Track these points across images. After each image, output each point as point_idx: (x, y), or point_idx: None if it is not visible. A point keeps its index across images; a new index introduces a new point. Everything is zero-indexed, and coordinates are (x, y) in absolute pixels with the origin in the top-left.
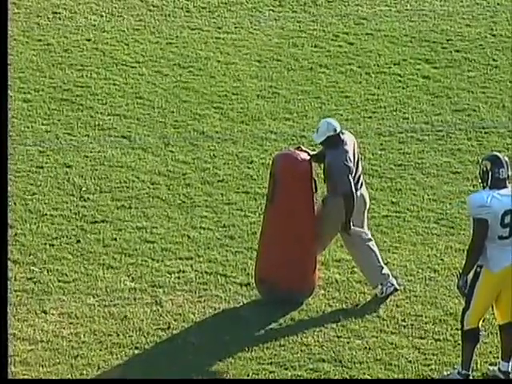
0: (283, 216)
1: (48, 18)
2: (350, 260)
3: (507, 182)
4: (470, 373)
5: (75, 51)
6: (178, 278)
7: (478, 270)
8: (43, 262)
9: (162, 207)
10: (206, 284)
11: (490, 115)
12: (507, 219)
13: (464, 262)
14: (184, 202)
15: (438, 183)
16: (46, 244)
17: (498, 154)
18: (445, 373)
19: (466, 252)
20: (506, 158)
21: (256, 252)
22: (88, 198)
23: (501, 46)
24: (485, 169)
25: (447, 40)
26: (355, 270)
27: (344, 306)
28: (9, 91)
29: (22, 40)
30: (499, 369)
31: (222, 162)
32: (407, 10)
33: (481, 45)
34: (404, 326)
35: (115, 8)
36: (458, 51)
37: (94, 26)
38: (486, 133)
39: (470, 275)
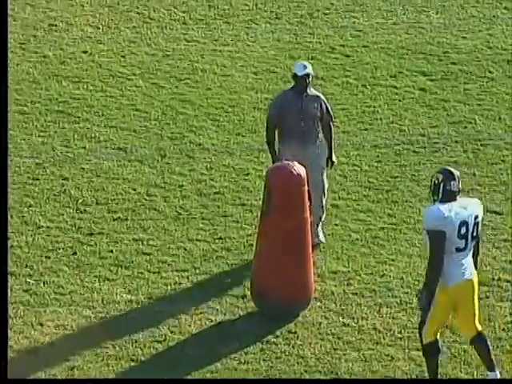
0: (278, 228)
1: (44, 30)
2: (346, 272)
3: (457, 195)
4: None
5: (71, 63)
6: (175, 290)
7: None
8: (39, 274)
9: (159, 219)
10: (203, 296)
11: (486, 127)
12: (463, 230)
13: (426, 279)
14: (180, 214)
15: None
16: (42, 256)
17: (449, 167)
18: None
19: (426, 270)
20: (458, 173)
21: (252, 264)
22: (84, 210)
23: (497, 59)
24: (436, 181)
25: (443, 52)
26: (351, 281)
27: (340, 318)
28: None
29: (18, 52)
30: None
31: (218, 174)
32: (403, 22)
33: (477, 57)
34: (400, 339)
35: (112, 20)
36: (454, 63)
37: (91, 38)
38: (482, 145)
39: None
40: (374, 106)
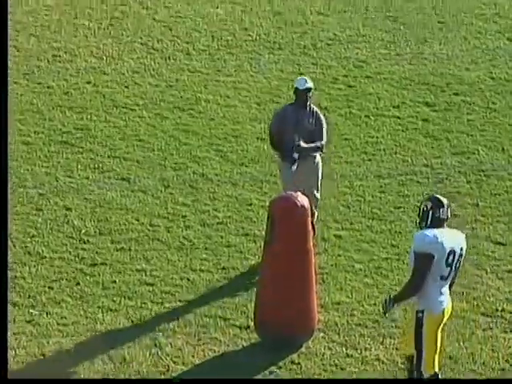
0: (282, 259)
1: (48, 60)
2: (349, 302)
3: (445, 223)
4: None
5: (75, 94)
6: (178, 320)
7: (420, 315)
8: (42, 305)
9: (162, 249)
10: (206, 327)
11: (490, 158)
12: (450, 259)
13: (400, 292)
14: (183, 244)
15: None
16: (45, 286)
17: (438, 195)
18: None
19: (404, 285)
20: (447, 201)
21: (255, 295)
22: (87, 241)
23: (500, 90)
24: (425, 208)
25: (446, 83)
26: (355, 312)
27: (344, 349)
28: (8, 134)
29: (22, 83)
30: None
31: (221, 205)
32: (406, 53)
33: (480, 88)
34: (404, 370)
35: (115, 51)
36: (457, 94)
37: (94, 68)
38: (485, 176)
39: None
40: (377, 137)
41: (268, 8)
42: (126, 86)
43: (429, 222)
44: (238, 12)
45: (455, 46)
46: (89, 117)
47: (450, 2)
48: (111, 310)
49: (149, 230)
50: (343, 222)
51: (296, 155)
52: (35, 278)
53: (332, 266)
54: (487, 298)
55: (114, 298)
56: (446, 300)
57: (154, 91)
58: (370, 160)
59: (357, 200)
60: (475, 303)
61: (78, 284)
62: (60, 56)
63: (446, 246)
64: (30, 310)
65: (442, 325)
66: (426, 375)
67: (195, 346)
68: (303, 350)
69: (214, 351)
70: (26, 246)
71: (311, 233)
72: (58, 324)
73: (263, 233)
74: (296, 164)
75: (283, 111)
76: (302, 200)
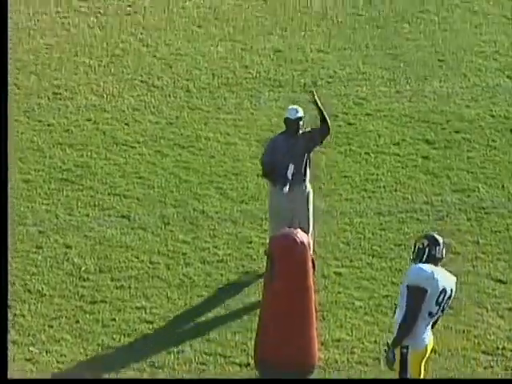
0: (282, 296)
1: (48, 98)
2: (349, 340)
3: (440, 262)
4: None
5: (76, 131)
6: (177, 358)
7: (405, 351)
8: (42, 343)
9: (162, 287)
10: (205, 364)
11: (490, 196)
12: (441, 297)
13: (396, 334)
14: (183, 281)
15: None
16: (44, 324)
17: (435, 234)
18: None
19: (398, 326)
20: (442, 239)
21: (256, 332)
22: (87, 278)
23: (500, 127)
24: (421, 246)
25: (446, 121)
26: (355, 350)
27: None
28: (9, 171)
29: (22, 120)
30: None
31: (221, 242)
32: (406, 90)
33: (480, 126)
34: None
35: (116, 88)
36: (457, 132)
37: (95, 106)
38: (485, 213)
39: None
40: (377, 174)
41: (268, 46)
42: (126, 124)
43: (424, 260)
44: (238, 50)
45: (455, 84)
46: (89, 154)
47: (449, 40)
48: (111, 348)
49: (149, 267)
50: (343, 259)
51: (290, 175)
52: (35, 315)
53: (332, 303)
54: (488, 336)
55: (114, 336)
56: (427, 336)
57: (154, 128)
58: (369, 197)
59: (357, 237)
60: (476, 341)
61: (78, 322)
62: (60, 94)
63: (439, 283)
64: (30, 348)
65: (425, 358)
66: None
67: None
68: None
69: None
70: (25, 284)
71: (311, 270)
72: (57, 362)
73: (263, 270)
74: (288, 185)
75: (274, 141)
76: (302, 237)
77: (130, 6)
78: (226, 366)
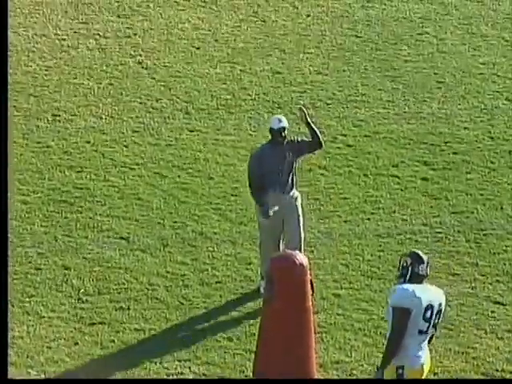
0: (281, 317)
1: (48, 120)
2: (348, 362)
3: (424, 279)
4: None
5: (74, 153)
6: (176, 379)
7: (400, 371)
8: (40, 365)
9: (160, 309)
10: None
11: (489, 217)
12: (428, 314)
13: (383, 357)
14: (182, 303)
15: (436, 285)
16: (43, 346)
17: (418, 251)
18: None
19: (385, 346)
20: (427, 257)
21: (254, 354)
22: (86, 300)
23: (499, 149)
24: (405, 264)
25: (445, 142)
26: (354, 372)
27: None
28: (8, 193)
29: (21, 142)
30: None
31: (220, 263)
32: (405, 112)
33: (479, 147)
34: None
35: (115, 110)
36: (456, 153)
37: (94, 128)
38: (484, 235)
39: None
40: (376, 196)
41: (267, 67)
42: (125, 146)
43: (408, 278)
44: (237, 71)
45: (454, 106)
46: (88, 176)
47: (448, 62)
48: (109, 368)
49: (147, 289)
50: (342, 280)
51: (267, 204)
52: (33, 337)
53: (331, 324)
54: (487, 358)
55: (113, 358)
56: (424, 355)
57: (153, 150)
58: (368, 219)
59: (356, 259)
60: (475, 363)
61: (77, 344)
62: (59, 116)
63: (423, 301)
64: (28, 370)
65: (423, 377)
66: None
67: None
68: None
69: None
70: (24, 306)
71: (310, 292)
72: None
73: (262, 292)
74: (272, 210)
75: (260, 151)
76: (301, 259)
77: (128, 28)
78: None
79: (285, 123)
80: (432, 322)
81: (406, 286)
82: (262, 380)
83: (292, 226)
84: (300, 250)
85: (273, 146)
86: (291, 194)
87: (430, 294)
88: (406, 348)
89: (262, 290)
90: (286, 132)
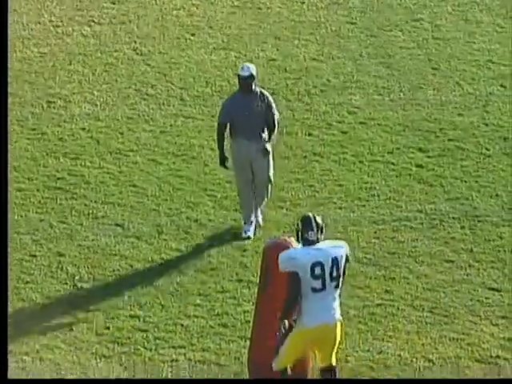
0: (275, 304)
1: (42, 107)
2: (343, 348)
3: (316, 243)
4: None
5: (69, 140)
6: (171, 367)
7: (293, 323)
8: (36, 352)
9: (155, 295)
10: (200, 373)
11: (484, 204)
12: (317, 270)
13: (282, 311)
14: (177, 290)
15: (431, 272)
16: (38, 333)
17: (310, 215)
18: None
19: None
20: (320, 221)
21: (249, 340)
22: (81, 287)
23: (493, 136)
24: (297, 228)
25: (440, 129)
26: (349, 358)
27: None
28: (8, 186)
29: (16, 129)
30: None
31: (215, 250)
32: (400, 99)
33: (473, 134)
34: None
35: (109, 97)
36: (450, 140)
37: (89, 115)
38: (479, 221)
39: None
40: (371, 182)
41: (262, 54)
42: (120, 132)
43: (300, 241)
44: (232, 58)
45: (449, 92)
46: (83, 163)
47: (443, 49)
48: (104, 357)
49: (142, 275)
50: None
51: (224, 154)
52: (29, 324)
53: None
54: (482, 345)
55: (108, 345)
56: (326, 314)
57: (147, 137)
58: (363, 206)
59: (351, 246)
60: (470, 349)
61: (72, 330)
62: (54, 102)
63: (305, 260)
64: (24, 357)
65: (314, 342)
66: (275, 368)
67: None
68: None
69: None
70: (19, 293)
71: None
72: (51, 371)
73: (257, 279)
74: (227, 164)
75: (230, 100)
76: (295, 244)
77: (123, 14)
78: (220, 374)
79: (253, 71)
80: (327, 278)
81: (287, 250)
82: (262, 380)
83: (259, 176)
84: (268, 189)
85: (242, 94)
86: (261, 144)
87: (314, 251)
88: (301, 307)
89: (243, 235)
90: (253, 80)
